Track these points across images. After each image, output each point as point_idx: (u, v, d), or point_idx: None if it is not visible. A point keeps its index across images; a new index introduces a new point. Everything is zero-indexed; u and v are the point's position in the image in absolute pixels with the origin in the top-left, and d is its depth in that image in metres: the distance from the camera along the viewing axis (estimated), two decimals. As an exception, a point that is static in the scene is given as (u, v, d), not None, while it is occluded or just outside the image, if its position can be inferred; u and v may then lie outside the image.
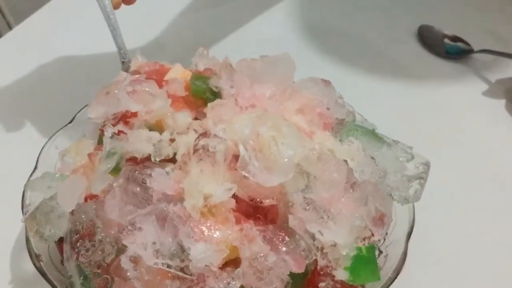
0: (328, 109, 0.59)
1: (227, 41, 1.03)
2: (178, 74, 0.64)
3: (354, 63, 1.00)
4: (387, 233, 0.57)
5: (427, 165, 0.58)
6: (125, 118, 0.55)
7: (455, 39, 1.01)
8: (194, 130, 0.54)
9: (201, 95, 0.59)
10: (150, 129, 0.54)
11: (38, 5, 1.11)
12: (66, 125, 0.66)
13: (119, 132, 0.53)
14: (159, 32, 1.05)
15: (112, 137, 0.52)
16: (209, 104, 0.54)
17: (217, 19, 1.10)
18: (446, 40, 1.01)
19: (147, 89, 0.54)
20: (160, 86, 0.61)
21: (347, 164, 0.54)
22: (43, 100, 0.88)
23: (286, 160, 0.49)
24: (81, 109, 0.67)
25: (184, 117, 0.54)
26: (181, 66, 0.65)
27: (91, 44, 0.98)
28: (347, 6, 1.15)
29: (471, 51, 0.99)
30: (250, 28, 1.07)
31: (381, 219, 0.55)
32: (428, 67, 1.00)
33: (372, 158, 0.57)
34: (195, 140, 0.51)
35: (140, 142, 0.52)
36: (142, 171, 0.52)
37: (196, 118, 0.59)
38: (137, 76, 0.57)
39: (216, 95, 0.58)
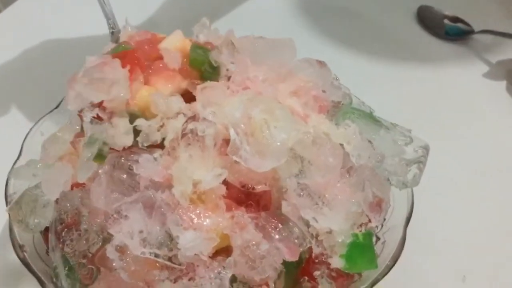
0: (323, 91, 0.57)
1: (223, 17, 1.01)
2: (177, 42, 0.59)
3: (352, 44, 0.97)
4: (385, 219, 0.55)
5: (426, 148, 0.56)
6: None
7: (455, 19, 0.98)
8: (183, 114, 0.52)
9: (199, 66, 0.56)
10: (132, 115, 0.52)
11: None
12: (52, 111, 0.64)
13: (99, 116, 0.51)
14: (152, 8, 1.03)
15: (91, 122, 0.50)
16: (198, 87, 0.52)
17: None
18: (446, 21, 0.98)
19: (103, 76, 0.50)
20: (153, 56, 0.57)
21: (343, 148, 0.52)
22: (30, 84, 0.85)
23: (278, 144, 0.47)
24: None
25: (177, 102, 0.51)
26: (181, 34, 0.61)
27: (81, 27, 0.95)
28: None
29: (471, 31, 0.96)
30: (247, 5, 1.05)
31: (378, 205, 0.53)
32: (427, 49, 0.97)
33: (369, 141, 0.55)
34: (183, 124, 0.49)
35: (118, 135, 0.49)
36: (128, 157, 0.49)
37: (187, 91, 0.56)
38: (102, 58, 0.53)
39: (214, 69, 0.55)
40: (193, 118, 0.49)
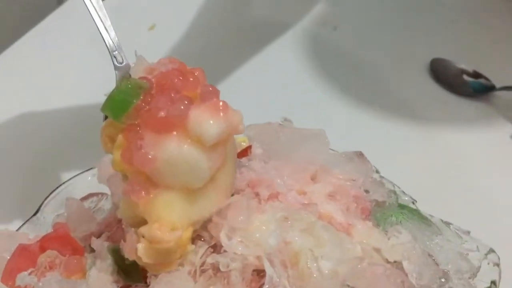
0: (366, 191, 0.46)
1: (234, 69, 0.92)
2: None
3: (363, 103, 0.88)
4: None
5: (496, 260, 0.46)
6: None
7: (476, 75, 0.90)
8: (199, 236, 0.40)
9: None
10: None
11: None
12: (29, 219, 0.52)
13: None
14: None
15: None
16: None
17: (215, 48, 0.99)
18: (466, 77, 0.90)
19: None
20: (185, 93, 0.40)
21: (401, 267, 0.42)
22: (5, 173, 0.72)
23: (330, 281, 0.36)
24: (47, 197, 0.53)
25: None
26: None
27: (67, 98, 0.84)
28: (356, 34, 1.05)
29: (492, 88, 0.88)
30: (255, 55, 0.96)
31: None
32: (446, 107, 0.89)
33: (430, 255, 0.44)
34: (201, 256, 0.38)
35: None
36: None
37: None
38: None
39: None
40: (214, 248, 0.38)
